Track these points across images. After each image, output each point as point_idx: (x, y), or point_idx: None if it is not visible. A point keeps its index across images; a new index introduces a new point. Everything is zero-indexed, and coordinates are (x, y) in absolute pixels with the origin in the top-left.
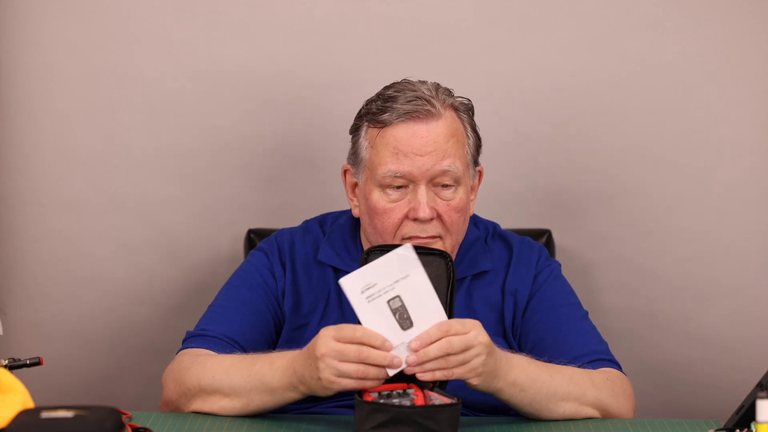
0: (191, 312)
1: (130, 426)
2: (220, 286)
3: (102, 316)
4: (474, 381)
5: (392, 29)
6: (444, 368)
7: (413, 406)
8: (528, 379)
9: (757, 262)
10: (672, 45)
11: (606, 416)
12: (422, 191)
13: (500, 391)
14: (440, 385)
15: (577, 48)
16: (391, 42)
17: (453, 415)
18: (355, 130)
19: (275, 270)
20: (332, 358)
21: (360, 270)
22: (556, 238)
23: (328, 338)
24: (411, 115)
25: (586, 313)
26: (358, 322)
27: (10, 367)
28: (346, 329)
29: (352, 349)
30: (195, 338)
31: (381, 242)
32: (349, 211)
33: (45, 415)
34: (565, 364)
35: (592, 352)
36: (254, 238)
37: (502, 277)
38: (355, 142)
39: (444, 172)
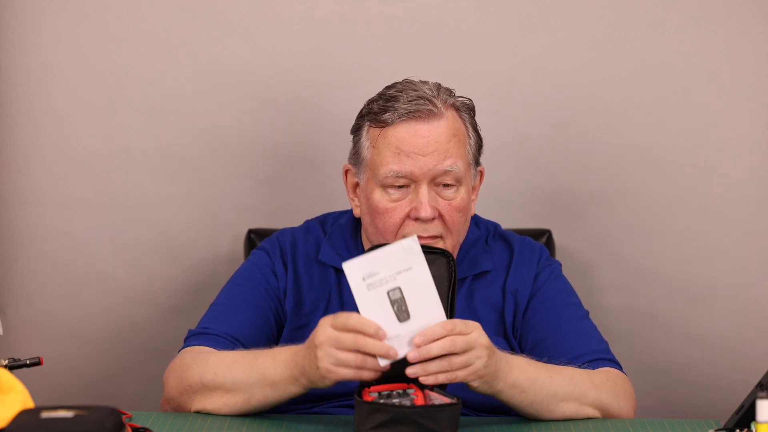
0: (191, 312)
1: (130, 426)
2: (220, 286)
3: (102, 316)
4: (475, 383)
5: (392, 29)
6: (446, 370)
7: (413, 406)
8: (528, 380)
9: (757, 262)
10: (672, 45)
11: (606, 416)
12: (424, 191)
13: (500, 392)
14: (440, 385)
15: (577, 48)
16: (391, 42)
17: (453, 415)
18: (356, 130)
19: (277, 269)
20: (330, 345)
21: (364, 256)
22: (556, 238)
23: (326, 326)
24: (413, 115)
25: (587, 312)
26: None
27: (10, 367)
28: (341, 316)
29: (348, 337)
30: (197, 336)
31: (382, 242)
32: (350, 211)
33: (45, 415)
34: (566, 363)
35: (593, 352)
36: (254, 238)
37: (503, 277)
38: (356, 142)
39: (445, 172)
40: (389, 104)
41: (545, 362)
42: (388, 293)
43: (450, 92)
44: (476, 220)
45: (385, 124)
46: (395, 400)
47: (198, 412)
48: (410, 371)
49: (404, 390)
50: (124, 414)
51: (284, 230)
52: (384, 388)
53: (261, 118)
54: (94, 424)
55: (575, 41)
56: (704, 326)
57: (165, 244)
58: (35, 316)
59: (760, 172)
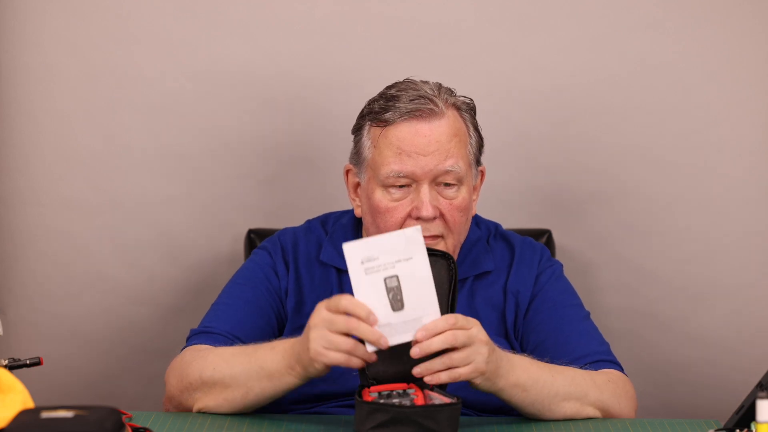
0: (191, 312)
1: (130, 426)
2: (220, 286)
3: (102, 316)
4: (478, 381)
5: (392, 29)
6: (449, 367)
7: (413, 406)
8: (530, 379)
9: (757, 262)
10: (672, 45)
11: (607, 417)
12: (425, 190)
13: (502, 391)
14: (440, 385)
15: (577, 48)
16: (391, 42)
17: (452, 414)
18: (357, 130)
19: (278, 269)
20: (323, 327)
21: (365, 240)
22: (556, 238)
23: (321, 308)
24: (414, 114)
25: (588, 313)
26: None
27: (10, 367)
28: (335, 298)
29: (341, 320)
30: (199, 335)
31: None
32: (351, 211)
33: (45, 415)
34: (567, 364)
35: (594, 353)
36: (254, 238)
37: (504, 277)
38: (357, 142)
39: (447, 172)
40: (390, 104)
41: (547, 362)
42: (385, 280)
43: (451, 92)
44: (477, 221)
45: (386, 123)
46: (395, 400)
47: (198, 412)
48: (416, 371)
49: (404, 390)
50: (124, 414)
51: (285, 230)
52: (384, 388)
53: (261, 118)
54: (94, 424)
55: (575, 41)
56: (704, 326)
57: (165, 244)
58: (35, 316)
59: (760, 172)
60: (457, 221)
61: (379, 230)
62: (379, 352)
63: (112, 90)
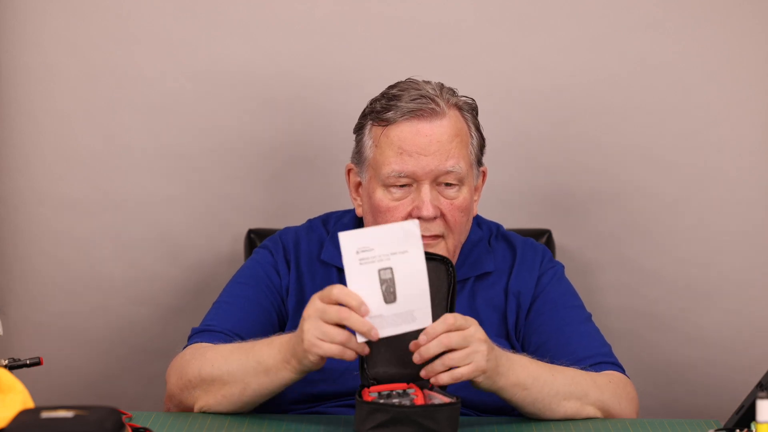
0: (191, 312)
1: (130, 426)
2: (220, 286)
3: (102, 316)
4: (479, 379)
5: (392, 29)
6: (449, 368)
7: (413, 406)
8: (530, 377)
9: (757, 262)
10: (672, 45)
11: (608, 418)
12: (426, 190)
13: (503, 389)
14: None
15: (577, 48)
16: (391, 42)
17: (452, 414)
18: (359, 129)
19: (279, 268)
20: (316, 318)
21: (362, 230)
22: (556, 238)
23: (314, 299)
24: (415, 114)
25: (590, 315)
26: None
27: (10, 367)
28: (327, 288)
29: (333, 310)
30: (200, 334)
31: None
32: (352, 211)
33: (45, 415)
34: (568, 366)
35: (596, 355)
36: (254, 238)
37: (506, 278)
38: (359, 141)
39: (448, 172)
40: (392, 103)
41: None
42: (379, 272)
43: (453, 92)
44: (479, 221)
45: (387, 122)
46: (395, 400)
47: (199, 411)
48: (422, 374)
49: (404, 390)
50: (124, 414)
51: (287, 229)
52: (384, 388)
53: (261, 118)
54: (94, 424)
55: (575, 41)
56: (704, 326)
57: (165, 244)
58: (35, 315)
59: (760, 172)
60: (457, 221)
61: None
62: (381, 353)
63: (112, 90)
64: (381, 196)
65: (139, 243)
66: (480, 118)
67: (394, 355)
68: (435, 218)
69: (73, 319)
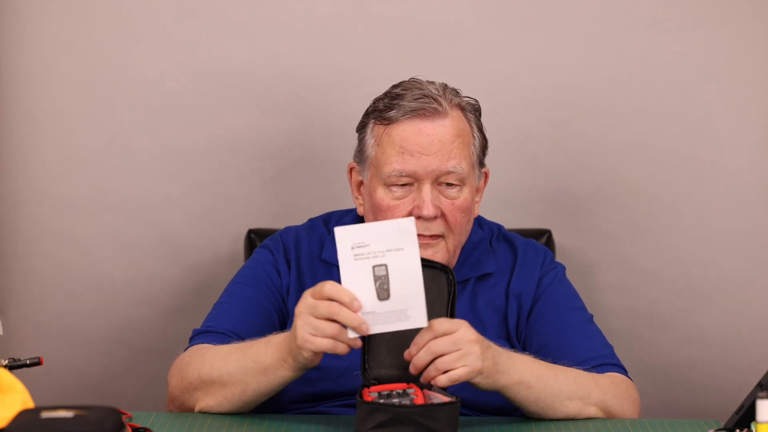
0: (191, 312)
1: (130, 426)
2: (220, 286)
3: (102, 316)
4: (477, 379)
5: (392, 29)
6: (443, 371)
7: (413, 406)
8: (533, 375)
9: (757, 262)
10: (672, 45)
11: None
12: (427, 189)
13: (506, 388)
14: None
15: (577, 48)
16: (391, 42)
17: (452, 413)
18: (361, 128)
19: (280, 267)
20: (307, 314)
21: (357, 226)
22: (556, 238)
23: (306, 296)
24: (417, 113)
25: (591, 316)
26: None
27: (10, 367)
28: (319, 285)
29: (323, 305)
30: (201, 335)
31: None
32: (354, 210)
33: (45, 415)
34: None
35: (598, 357)
36: (254, 238)
37: (507, 279)
38: (361, 140)
39: (449, 173)
40: (395, 102)
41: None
42: (373, 268)
43: (456, 92)
44: (480, 221)
45: (389, 121)
46: (395, 400)
47: (199, 412)
48: (421, 379)
49: (404, 390)
50: (124, 414)
51: (288, 228)
52: (384, 388)
53: (261, 118)
54: (94, 424)
55: (575, 41)
56: (704, 326)
57: (165, 244)
58: (35, 315)
59: (760, 172)
60: (458, 221)
61: None
62: (382, 356)
63: (112, 90)
64: (382, 194)
65: (139, 243)
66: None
67: (396, 357)
68: (435, 218)
69: (73, 319)
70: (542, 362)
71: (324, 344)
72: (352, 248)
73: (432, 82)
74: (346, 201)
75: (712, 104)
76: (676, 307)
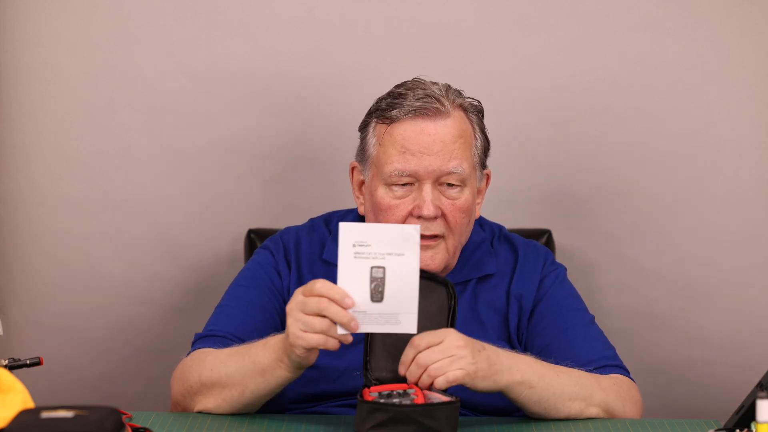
0: (191, 312)
1: (130, 426)
2: (220, 286)
3: (102, 316)
4: (475, 381)
5: (392, 29)
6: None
7: (412, 405)
8: (535, 375)
9: (757, 262)
10: (672, 45)
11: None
12: (427, 189)
13: (508, 388)
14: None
15: (577, 48)
16: (391, 42)
17: (452, 413)
18: (363, 127)
19: (280, 268)
20: (298, 311)
21: (362, 224)
22: (556, 238)
23: (297, 294)
24: (419, 113)
25: (593, 317)
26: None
27: (10, 367)
28: (310, 283)
29: (313, 301)
30: (203, 339)
31: None
32: (355, 210)
33: (45, 415)
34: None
35: (600, 358)
36: (254, 238)
37: (507, 281)
38: (363, 139)
39: (450, 173)
40: (397, 101)
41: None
42: (371, 269)
43: (459, 93)
44: (481, 222)
45: (391, 120)
46: (395, 400)
47: (200, 412)
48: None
49: (404, 390)
50: (124, 414)
51: (288, 229)
52: (384, 388)
53: (261, 118)
54: (94, 424)
55: (575, 41)
56: (704, 326)
57: (165, 244)
58: (35, 315)
59: (760, 172)
60: (458, 222)
61: None
62: (384, 359)
63: (112, 90)
64: (383, 194)
65: (139, 243)
66: None
67: (398, 358)
68: (436, 218)
69: (73, 319)
70: (544, 363)
71: (314, 339)
72: (354, 246)
73: (435, 83)
74: (347, 201)
75: (712, 104)
76: (676, 307)
